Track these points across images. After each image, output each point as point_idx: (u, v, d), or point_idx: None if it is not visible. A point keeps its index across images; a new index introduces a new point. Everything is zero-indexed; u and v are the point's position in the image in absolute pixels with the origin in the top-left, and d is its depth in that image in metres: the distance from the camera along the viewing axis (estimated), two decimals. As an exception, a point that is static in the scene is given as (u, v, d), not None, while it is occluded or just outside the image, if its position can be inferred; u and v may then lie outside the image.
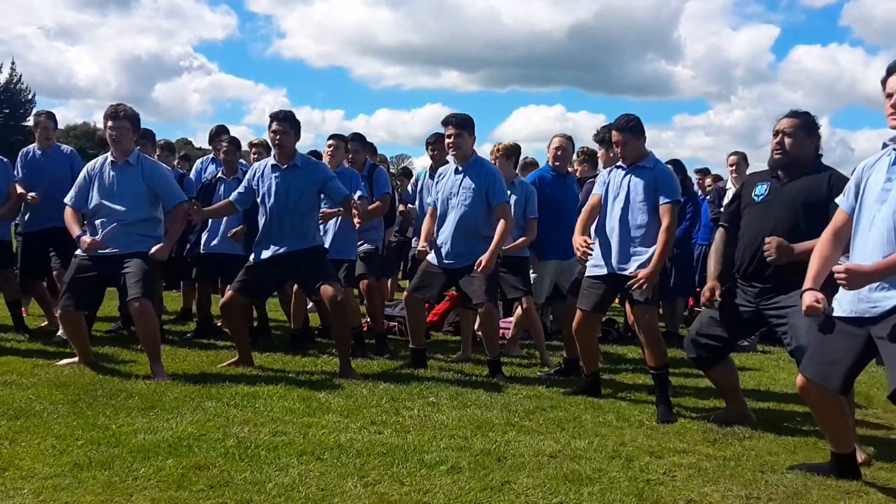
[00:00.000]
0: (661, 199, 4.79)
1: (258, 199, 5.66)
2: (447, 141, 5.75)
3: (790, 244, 3.98)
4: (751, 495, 3.33)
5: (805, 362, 3.61)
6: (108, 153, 5.48)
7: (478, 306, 5.60)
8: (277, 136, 5.55)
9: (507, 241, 5.89)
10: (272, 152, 5.83)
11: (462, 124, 5.68)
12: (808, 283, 3.52)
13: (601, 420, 4.51)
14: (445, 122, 5.74)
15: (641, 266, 4.75)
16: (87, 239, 5.24)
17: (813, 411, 3.73)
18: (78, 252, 5.42)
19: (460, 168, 5.74)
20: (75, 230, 5.36)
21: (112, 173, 5.39)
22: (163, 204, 5.47)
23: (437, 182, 5.92)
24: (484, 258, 5.46)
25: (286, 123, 5.57)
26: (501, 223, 5.60)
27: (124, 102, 5.51)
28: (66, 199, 5.53)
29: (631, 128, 4.88)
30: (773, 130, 4.33)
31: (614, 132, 4.91)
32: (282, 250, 5.53)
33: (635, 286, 4.69)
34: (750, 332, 4.80)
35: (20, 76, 53.90)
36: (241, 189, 5.78)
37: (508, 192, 6.28)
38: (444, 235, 5.73)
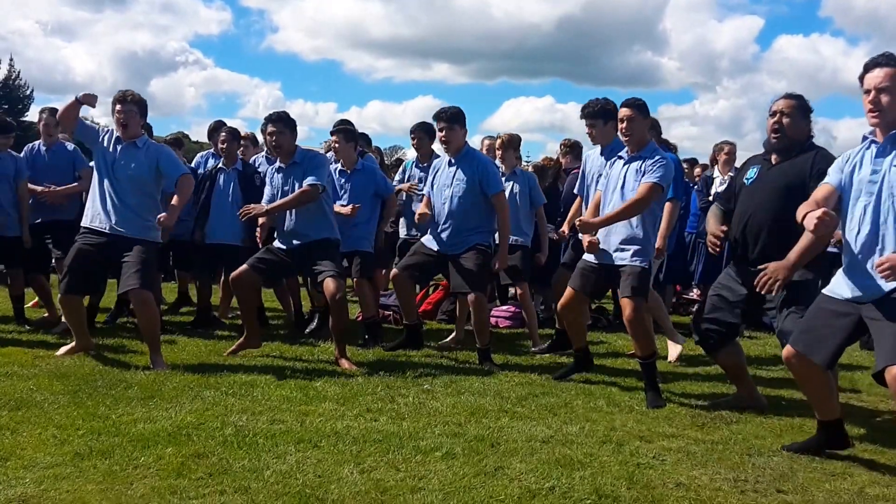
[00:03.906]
0: (647, 178, 4.80)
1: (272, 198, 5.77)
2: (439, 135, 5.83)
3: (786, 264, 3.83)
4: (738, 478, 3.40)
5: (795, 335, 3.70)
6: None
7: (466, 295, 5.67)
8: (274, 138, 5.63)
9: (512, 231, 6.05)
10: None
11: (453, 118, 5.74)
12: (804, 211, 3.48)
13: (592, 405, 4.58)
14: (436, 117, 5.82)
15: (634, 256, 4.82)
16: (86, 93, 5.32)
17: (798, 382, 3.85)
18: (80, 234, 5.46)
19: (453, 160, 5.81)
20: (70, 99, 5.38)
21: (119, 150, 5.44)
22: (168, 178, 5.48)
23: (432, 175, 5.99)
24: (498, 260, 5.72)
25: (280, 124, 5.64)
26: (502, 217, 5.74)
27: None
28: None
29: (639, 106, 4.93)
30: (769, 111, 4.38)
31: (623, 107, 4.95)
32: (296, 243, 5.64)
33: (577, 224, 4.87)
34: (752, 315, 4.83)
35: (18, 72, 53.77)
36: (267, 192, 5.88)
37: (511, 183, 6.35)
38: (440, 226, 5.81)
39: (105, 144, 5.46)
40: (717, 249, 4.54)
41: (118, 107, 5.43)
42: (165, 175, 5.49)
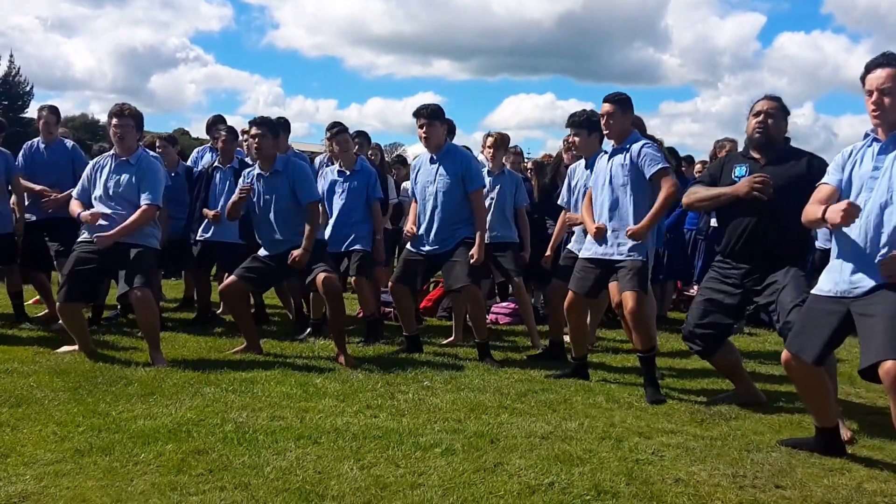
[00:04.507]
0: (648, 171, 4.82)
1: (250, 205, 5.74)
2: (419, 132, 5.83)
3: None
4: (737, 474, 3.41)
5: (790, 338, 3.75)
6: (114, 149, 5.55)
7: (461, 290, 5.69)
8: (256, 141, 5.62)
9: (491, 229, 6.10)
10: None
11: (433, 115, 5.77)
12: (820, 210, 3.50)
13: (591, 402, 4.59)
14: (416, 114, 5.83)
15: (633, 250, 4.84)
16: (86, 213, 5.32)
17: (796, 386, 3.86)
18: (77, 242, 5.47)
19: (434, 157, 5.84)
20: (74, 210, 5.45)
21: (112, 168, 5.46)
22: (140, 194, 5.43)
23: (414, 173, 6.02)
24: (473, 252, 5.63)
25: (264, 128, 5.64)
26: (478, 212, 5.75)
27: (122, 96, 5.74)
28: (74, 193, 5.63)
29: (619, 101, 4.95)
30: (752, 111, 4.47)
31: (604, 103, 4.98)
32: (280, 250, 5.64)
33: (626, 234, 4.79)
34: (741, 314, 4.92)
35: (18, 68, 53.95)
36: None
37: (500, 182, 6.35)
38: (425, 223, 5.83)
39: (98, 173, 5.47)
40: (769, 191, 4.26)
41: (115, 121, 5.45)
42: (141, 191, 5.42)
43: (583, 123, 5.47)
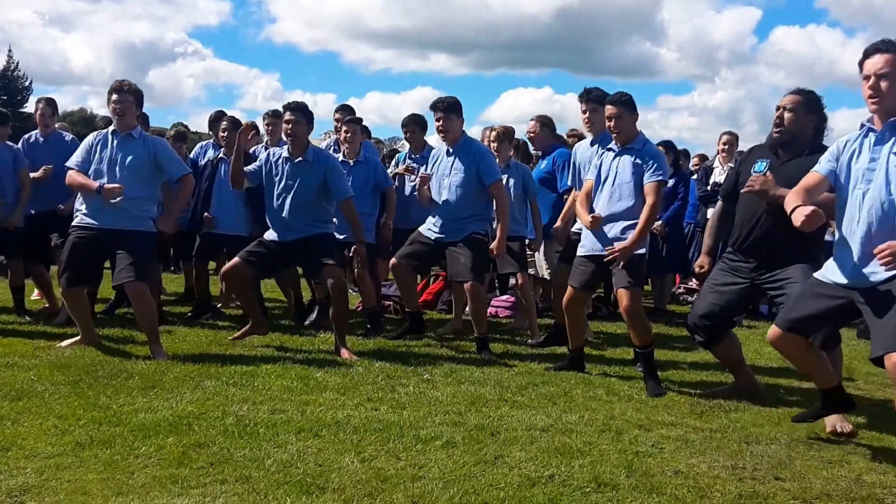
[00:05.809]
0: (646, 179, 4.85)
1: (267, 186, 5.71)
2: (436, 125, 5.83)
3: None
4: (736, 466, 3.42)
5: (780, 316, 3.75)
6: (111, 126, 5.51)
7: (463, 284, 5.69)
8: (290, 126, 5.60)
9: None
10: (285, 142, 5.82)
11: (449, 108, 5.76)
12: (793, 204, 3.51)
13: (591, 395, 4.60)
14: (433, 107, 5.82)
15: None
16: (109, 185, 5.25)
17: (789, 359, 3.91)
18: (72, 226, 5.45)
19: (451, 150, 5.83)
20: (92, 184, 5.31)
21: (114, 144, 5.40)
22: (169, 175, 5.48)
23: (432, 164, 6.02)
24: (494, 246, 5.68)
25: (298, 113, 5.61)
26: (500, 204, 5.73)
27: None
28: (71, 163, 5.50)
29: (625, 102, 4.92)
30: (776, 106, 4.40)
31: (608, 105, 4.94)
32: (292, 237, 5.62)
33: (609, 257, 4.81)
34: (746, 307, 4.93)
35: (17, 63, 53.95)
36: (254, 166, 5.80)
37: (506, 176, 6.34)
38: (438, 213, 5.84)
39: (98, 147, 5.42)
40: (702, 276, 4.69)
41: (114, 97, 5.39)
42: (165, 171, 5.47)
43: (602, 98, 5.41)
